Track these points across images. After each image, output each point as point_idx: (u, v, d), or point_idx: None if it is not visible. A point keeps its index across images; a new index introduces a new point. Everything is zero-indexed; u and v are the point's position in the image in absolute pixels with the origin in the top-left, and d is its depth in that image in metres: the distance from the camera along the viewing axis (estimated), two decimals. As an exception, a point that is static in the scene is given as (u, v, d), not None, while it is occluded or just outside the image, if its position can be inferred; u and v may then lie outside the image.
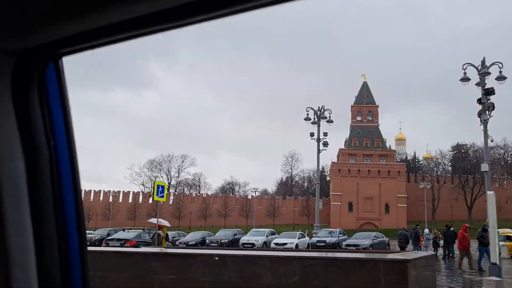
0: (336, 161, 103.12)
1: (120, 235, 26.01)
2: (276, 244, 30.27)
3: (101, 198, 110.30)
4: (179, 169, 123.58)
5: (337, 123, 37.41)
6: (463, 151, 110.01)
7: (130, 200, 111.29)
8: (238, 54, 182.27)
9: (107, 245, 22.56)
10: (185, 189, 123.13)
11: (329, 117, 32.89)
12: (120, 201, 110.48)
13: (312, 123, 32.89)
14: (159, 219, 19.47)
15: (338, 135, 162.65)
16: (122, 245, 21.18)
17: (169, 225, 20.30)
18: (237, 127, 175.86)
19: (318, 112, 32.72)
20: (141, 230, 28.30)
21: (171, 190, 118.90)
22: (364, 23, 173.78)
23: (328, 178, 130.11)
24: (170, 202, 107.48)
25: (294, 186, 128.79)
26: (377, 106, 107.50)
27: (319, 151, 33.10)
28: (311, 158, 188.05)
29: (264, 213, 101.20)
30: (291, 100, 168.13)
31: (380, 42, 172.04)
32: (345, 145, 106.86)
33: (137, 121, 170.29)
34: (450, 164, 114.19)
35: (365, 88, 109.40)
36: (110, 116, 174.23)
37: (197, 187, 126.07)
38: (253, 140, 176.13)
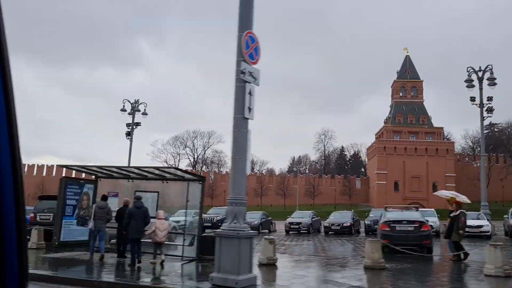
0: (372, 141, 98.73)
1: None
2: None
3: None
4: (204, 147, 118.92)
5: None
6: (496, 130, 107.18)
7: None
8: (228, 33, 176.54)
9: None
10: (212, 167, 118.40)
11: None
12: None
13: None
14: (457, 194, 14.90)
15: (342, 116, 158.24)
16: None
17: (470, 202, 15.67)
18: (227, 106, 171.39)
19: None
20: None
21: (197, 168, 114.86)
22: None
23: (362, 157, 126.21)
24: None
25: (327, 164, 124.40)
26: (422, 81, 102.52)
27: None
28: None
29: (302, 192, 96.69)
30: (279, 79, 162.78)
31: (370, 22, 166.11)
32: (386, 123, 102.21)
33: (124, 99, 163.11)
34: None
35: (408, 62, 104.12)
36: (96, 95, 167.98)
37: (219, 165, 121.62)
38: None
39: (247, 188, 8.89)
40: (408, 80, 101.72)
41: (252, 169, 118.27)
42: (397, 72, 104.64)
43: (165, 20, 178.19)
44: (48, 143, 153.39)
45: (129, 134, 31.81)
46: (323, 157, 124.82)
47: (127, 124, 32.70)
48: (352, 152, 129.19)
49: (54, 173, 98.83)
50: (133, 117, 32.68)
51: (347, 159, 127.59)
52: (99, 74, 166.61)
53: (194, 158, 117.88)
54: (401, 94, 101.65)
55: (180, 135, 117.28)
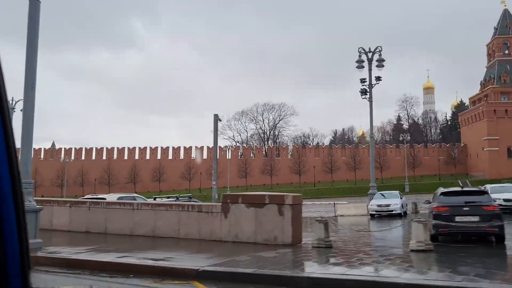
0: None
1: None
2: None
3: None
4: (274, 121, 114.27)
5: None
6: None
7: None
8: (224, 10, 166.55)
9: None
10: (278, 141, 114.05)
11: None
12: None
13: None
14: None
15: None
16: None
17: None
18: (227, 85, 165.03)
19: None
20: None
21: (269, 143, 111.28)
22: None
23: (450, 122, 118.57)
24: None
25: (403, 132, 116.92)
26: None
27: None
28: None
29: (400, 164, 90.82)
30: (279, 55, 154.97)
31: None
32: (486, 85, 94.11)
33: (119, 82, 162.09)
34: None
35: (507, 17, 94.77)
36: (91, 78, 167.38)
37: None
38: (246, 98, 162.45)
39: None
40: (510, 36, 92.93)
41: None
42: (495, 28, 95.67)
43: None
44: (45, 130, 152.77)
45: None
46: (411, 124, 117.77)
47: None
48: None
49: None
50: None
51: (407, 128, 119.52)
52: (93, 57, 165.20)
53: (265, 132, 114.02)
54: (506, 52, 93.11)
55: (247, 109, 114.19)
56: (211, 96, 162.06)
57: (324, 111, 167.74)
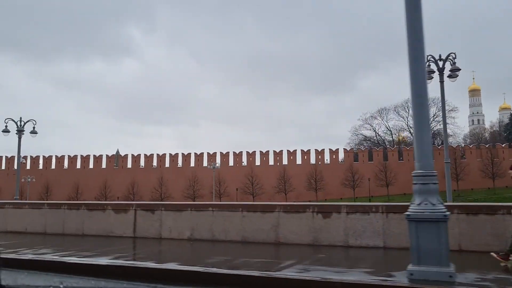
0: None
1: None
2: None
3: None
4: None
5: None
6: None
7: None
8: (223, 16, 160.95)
9: None
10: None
11: None
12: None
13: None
14: None
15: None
16: None
17: None
18: (222, 93, 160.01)
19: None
20: None
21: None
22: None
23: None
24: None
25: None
26: None
27: None
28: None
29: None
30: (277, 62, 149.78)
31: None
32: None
33: (116, 92, 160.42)
34: None
35: None
36: (87, 88, 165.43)
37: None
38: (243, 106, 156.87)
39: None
40: None
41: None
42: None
43: (156, 4, 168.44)
44: (41, 141, 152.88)
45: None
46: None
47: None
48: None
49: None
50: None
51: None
52: (88, 66, 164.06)
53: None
54: None
55: (387, 106, 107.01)
56: (208, 104, 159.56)
57: (322, 117, 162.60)
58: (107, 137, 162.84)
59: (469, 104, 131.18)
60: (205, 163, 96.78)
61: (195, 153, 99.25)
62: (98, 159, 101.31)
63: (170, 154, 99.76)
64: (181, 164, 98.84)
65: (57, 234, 12.59)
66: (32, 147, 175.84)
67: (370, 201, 73.68)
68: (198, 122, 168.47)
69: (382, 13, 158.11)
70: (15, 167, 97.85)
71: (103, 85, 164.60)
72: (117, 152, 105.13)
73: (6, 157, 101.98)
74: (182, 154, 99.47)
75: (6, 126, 28.77)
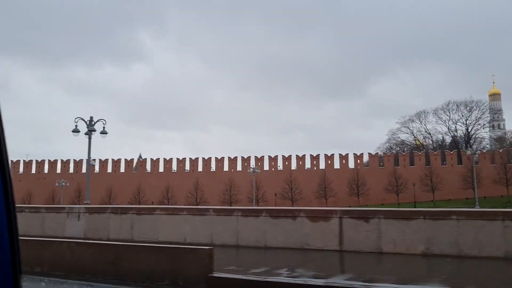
0: None
1: None
2: None
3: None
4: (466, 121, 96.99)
5: None
6: None
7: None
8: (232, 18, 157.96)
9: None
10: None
11: None
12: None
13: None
14: None
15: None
16: None
17: None
18: (231, 98, 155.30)
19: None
20: None
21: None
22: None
23: None
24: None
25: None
26: None
27: None
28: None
29: None
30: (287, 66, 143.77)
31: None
32: None
33: (127, 97, 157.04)
34: None
35: None
36: (97, 93, 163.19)
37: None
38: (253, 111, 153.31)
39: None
40: None
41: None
42: None
43: (166, 9, 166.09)
44: (53, 146, 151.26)
45: None
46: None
47: None
48: None
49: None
50: None
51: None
52: (99, 71, 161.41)
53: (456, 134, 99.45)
54: None
55: (426, 109, 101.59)
56: (217, 108, 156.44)
57: (331, 122, 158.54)
58: (120, 142, 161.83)
59: (489, 109, 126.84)
60: (239, 167, 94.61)
61: (229, 157, 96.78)
62: (129, 163, 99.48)
63: (203, 158, 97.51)
64: (214, 169, 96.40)
65: (229, 246, 9.91)
66: (41, 151, 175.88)
67: (415, 207, 70.13)
68: (208, 127, 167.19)
69: (393, 18, 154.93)
70: (45, 171, 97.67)
71: (112, 90, 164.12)
72: (140, 155, 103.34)
73: (36, 161, 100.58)
74: (216, 158, 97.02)
75: (76, 126, 26.38)
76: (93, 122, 26.45)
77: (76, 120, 26.03)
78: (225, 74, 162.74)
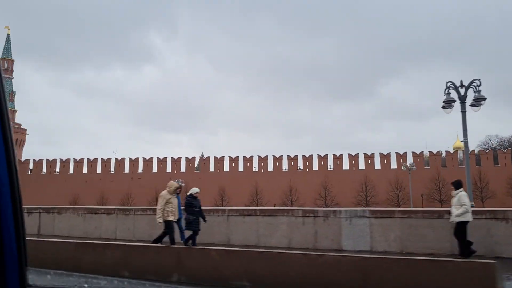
0: None
1: None
2: None
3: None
4: None
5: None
6: None
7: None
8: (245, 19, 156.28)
9: None
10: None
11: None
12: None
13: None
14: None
15: None
16: None
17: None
18: (241, 100, 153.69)
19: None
20: None
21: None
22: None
23: None
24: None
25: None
26: None
27: None
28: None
29: None
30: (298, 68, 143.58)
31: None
32: None
33: (136, 99, 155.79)
34: None
35: None
36: (107, 95, 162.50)
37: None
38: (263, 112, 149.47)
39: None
40: None
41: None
42: None
43: (177, 11, 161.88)
44: (63, 149, 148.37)
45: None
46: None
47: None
48: None
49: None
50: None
51: None
52: (109, 73, 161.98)
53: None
54: None
55: None
56: (226, 111, 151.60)
57: (341, 124, 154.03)
58: (127, 144, 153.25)
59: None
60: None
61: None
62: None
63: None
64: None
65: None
66: (51, 153, 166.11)
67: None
68: (217, 130, 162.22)
69: (403, 19, 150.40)
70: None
71: (122, 92, 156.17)
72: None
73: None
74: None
75: (448, 94, 16.83)
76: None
77: (448, 84, 16.67)
78: (235, 76, 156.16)
